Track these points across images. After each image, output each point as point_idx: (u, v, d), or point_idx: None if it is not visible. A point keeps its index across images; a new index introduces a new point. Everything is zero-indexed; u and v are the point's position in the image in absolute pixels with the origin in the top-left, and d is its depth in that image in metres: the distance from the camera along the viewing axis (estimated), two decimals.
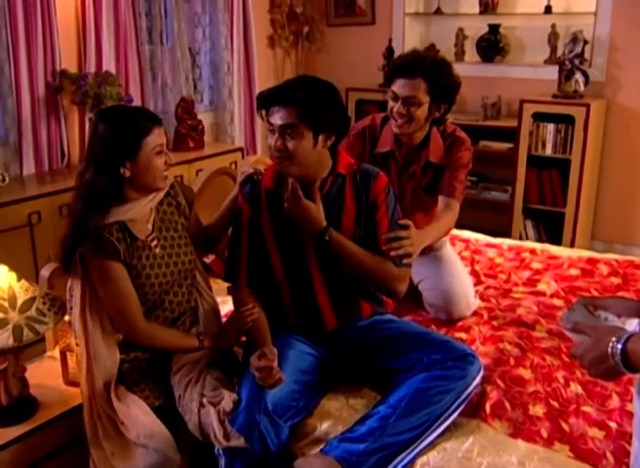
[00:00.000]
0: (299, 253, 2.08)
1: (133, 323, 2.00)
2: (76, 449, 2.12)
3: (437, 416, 1.88)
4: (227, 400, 1.93)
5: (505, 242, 3.37)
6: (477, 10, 4.46)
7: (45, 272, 2.33)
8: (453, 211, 2.53)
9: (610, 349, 1.28)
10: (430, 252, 2.65)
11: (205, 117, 4.33)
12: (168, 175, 2.03)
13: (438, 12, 4.60)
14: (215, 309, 2.23)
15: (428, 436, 1.88)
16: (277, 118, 1.94)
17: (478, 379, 1.99)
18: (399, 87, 2.41)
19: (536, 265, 3.06)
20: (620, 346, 1.26)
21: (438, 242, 2.68)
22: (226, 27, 4.31)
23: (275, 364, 1.87)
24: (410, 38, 4.68)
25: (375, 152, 2.57)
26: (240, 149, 4.20)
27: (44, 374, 2.35)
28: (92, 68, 3.57)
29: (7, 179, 3.15)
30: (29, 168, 3.42)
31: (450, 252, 2.74)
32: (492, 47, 4.43)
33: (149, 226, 2.04)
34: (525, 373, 2.19)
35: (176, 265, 2.08)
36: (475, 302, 2.60)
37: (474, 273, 2.98)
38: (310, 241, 2.04)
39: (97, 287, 1.96)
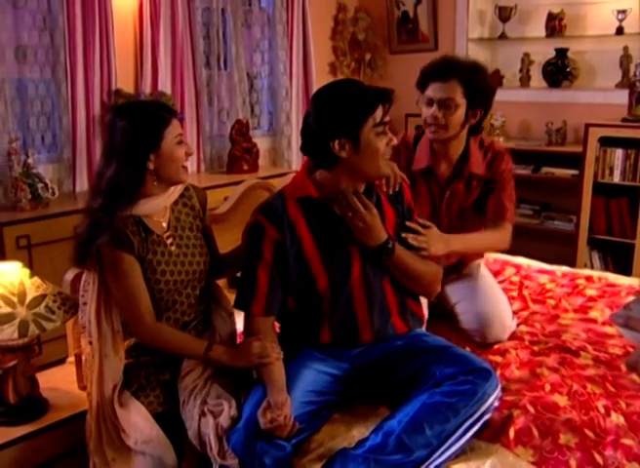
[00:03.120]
0: (344, 264, 1.97)
1: (139, 318, 1.93)
2: (82, 455, 2.07)
3: (446, 437, 1.72)
4: (226, 415, 1.84)
5: (561, 268, 3.16)
6: (544, 33, 4.30)
7: (68, 276, 2.33)
8: (502, 230, 2.40)
9: None
10: (465, 274, 2.53)
11: (262, 142, 4.34)
12: (187, 168, 2.01)
13: (503, 36, 4.47)
14: (230, 313, 2.15)
15: (437, 458, 1.72)
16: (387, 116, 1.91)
17: (494, 398, 1.81)
18: (433, 90, 2.32)
19: (590, 292, 2.85)
20: None
21: (472, 264, 2.55)
22: (285, 53, 4.34)
23: (282, 419, 1.74)
24: None
25: (412, 169, 2.44)
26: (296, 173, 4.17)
27: (61, 378, 2.34)
28: (147, 89, 3.65)
29: (57, 193, 3.23)
30: (82, 184, 3.50)
31: (485, 273, 2.58)
32: (559, 72, 4.25)
33: (164, 224, 2.01)
34: (560, 400, 1.99)
35: (191, 265, 2.02)
36: (512, 325, 2.43)
37: (521, 298, 2.80)
38: (358, 252, 1.96)
39: (108, 279, 1.93)
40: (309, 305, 2.01)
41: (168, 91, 3.72)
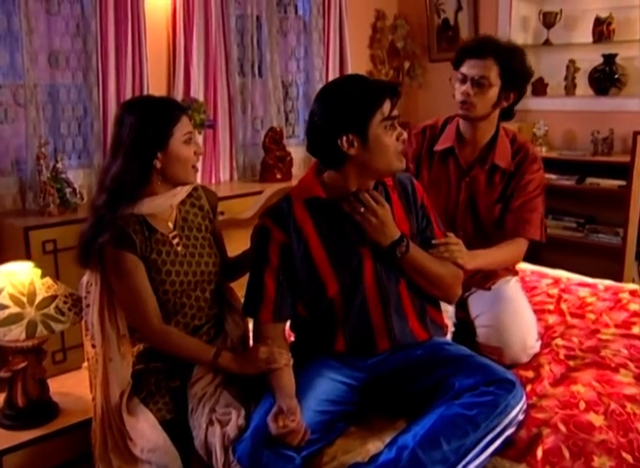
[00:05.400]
0: (354, 267, 1.88)
1: (146, 320, 1.87)
2: (91, 463, 2.01)
3: (465, 452, 1.61)
4: (233, 424, 1.76)
5: (604, 282, 2.99)
6: (590, 39, 4.13)
7: (85, 279, 2.28)
8: (518, 245, 2.33)
9: None
10: (492, 287, 2.39)
11: (297, 151, 4.27)
12: (197, 168, 1.95)
13: (547, 43, 4.31)
14: (243, 317, 2.07)
15: None
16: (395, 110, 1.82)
17: (517, 411, 1.69)
18: (468, 67, 2.26)
19: (634, 307, 2.67)
20: None
21: (502, 280, 2.41)
22: (322, 60, 4.27)
23: (295, 424, 1.65)
24: None
25: (433, 149, 2.40)
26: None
27: (74, 384, 2.30)
28: (180, 95, 3.62)
29: (85, 198, 3.20)
30: None
31: (514, 289, 2.42)
32: (606, 79, 4.06)
33: (170, 224, 1.95)
34: (595, 420, 1.84)
35: (199, 265, 1.95)
36: (535, 346, 2.25)
37: (558, 311, 2.64)
38: (369, 253, 1.87)
39: (111, 280, 1.88)
40: (321, 313, 1.91)
41: (200, 97, 3.68)
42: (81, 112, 3.41)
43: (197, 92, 3.69)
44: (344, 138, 1.78)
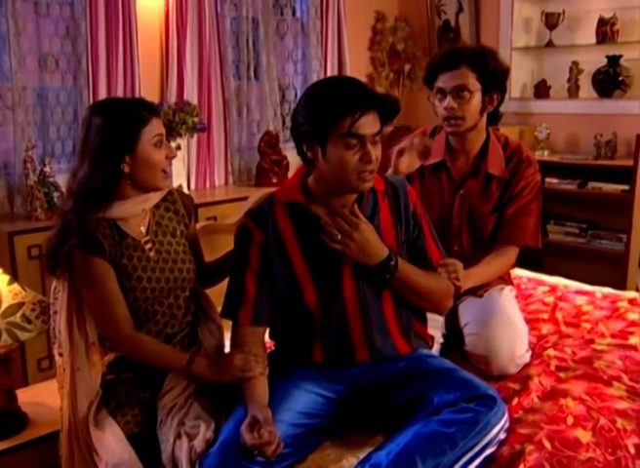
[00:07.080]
0: (333, 277, 1.81)
1: (116, 326, 1.80)
2: None
3: None
4: (201, 438, 1.68)
5: (602, 290, 2.88)
6: (594, 40, 4.04)
7: (53, 285, 2.22)
8: (510, 254, 2.30)
9: None
10: (484, 294, 2.31)
11: (294, 155, 4.12)
12: (169, 173, 1.88)
13: (550, 45, 4.22)
14: (219, 326, 2.00)
15: None
16: (371, 127, 1.69)
17: (498, 429, 1.61)
18: (444, 80, 2.19)
19: (632, 316, 2.56)
20: None
21: (496, 286, 2.34)
22: (319, 63, 4.22)
23: (268, 435, 1.57)
24: (518, 74, 4.31)
25: (424, 165, 2.32)
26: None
27: (48, 394, 2.21)
28: (172, 98, 3.58)
29: None
30: None
31: (506, 297, 2.33)
32: (610, 80, 3.97)
33: (142, 229, 1.88)
34: (583, 436, 1.75)
35: (172, 272, 1.88)
36: (524, 357, 2.16)
37: (553, 320, 2.54)
38: (350, 266, 1.79)
39: (79, 285, 1.81)
40: (298, 321, 1.84)
41: (194, 101, 3.63)
42: (71, 115, 3.39)
43: (191, 95, 3.65)
44: (305, 145, 1.75)
